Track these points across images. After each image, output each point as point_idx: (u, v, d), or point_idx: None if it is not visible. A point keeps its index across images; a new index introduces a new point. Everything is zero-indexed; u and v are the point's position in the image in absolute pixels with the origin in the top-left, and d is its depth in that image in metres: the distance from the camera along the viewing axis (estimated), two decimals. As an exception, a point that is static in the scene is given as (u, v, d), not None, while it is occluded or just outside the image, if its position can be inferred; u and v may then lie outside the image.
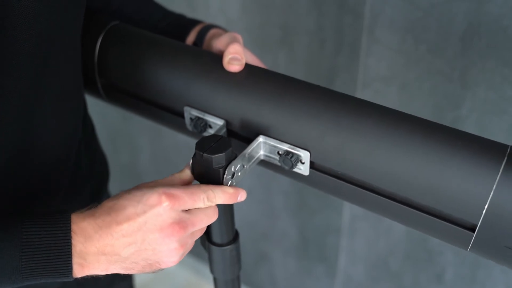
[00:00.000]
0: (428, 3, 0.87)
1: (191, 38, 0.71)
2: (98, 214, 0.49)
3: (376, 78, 1.01)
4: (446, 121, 0.95)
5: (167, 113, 0.65)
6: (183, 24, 0.73)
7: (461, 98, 0.92)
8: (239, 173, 0.54)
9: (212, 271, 0.65)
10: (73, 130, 0.66)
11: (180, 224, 0.49)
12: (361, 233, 1.24)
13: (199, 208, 0.51)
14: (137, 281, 1.05)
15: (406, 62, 0.95)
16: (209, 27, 0.70)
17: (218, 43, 0.64)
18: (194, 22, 0.73)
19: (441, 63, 0.91)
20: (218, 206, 0.58)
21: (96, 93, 0.72)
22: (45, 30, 0.53)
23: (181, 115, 0.63)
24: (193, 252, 1.85)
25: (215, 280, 0.68)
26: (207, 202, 0.51)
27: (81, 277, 0.50)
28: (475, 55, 0.86)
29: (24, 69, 0.52)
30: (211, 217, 0.53)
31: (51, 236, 0.47)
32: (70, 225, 0.48)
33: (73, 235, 0.47)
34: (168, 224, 0.48)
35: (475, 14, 0.83)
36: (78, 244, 0.48)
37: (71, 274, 0.48)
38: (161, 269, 0.52)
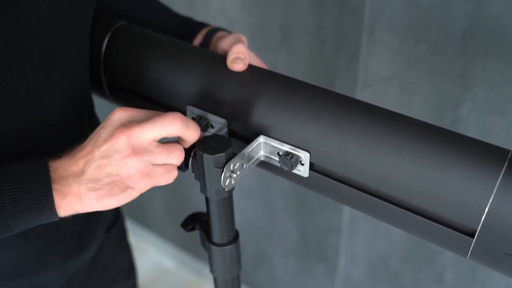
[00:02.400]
0: (428, 3, 0.87)
1: (197, 40, 0.72)
2: (76, 149, 0.52)
3: (376, 78, 1.01)
4: (446, 121, 0.95)
5: None
6: (190, 26, 0.73)
7: (461, 98, 0.92)
8: (238, 172, 0.54)
9: (212, 271, 0.65)
10: (80, 127, 0.66)
11: (127, 126, 0.50)
12: (361, 233, 1.24)
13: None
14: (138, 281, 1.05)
15: (406, 62, 0.95)
16: (215, 30, 0.71)
17: (222, 44, 0.64)
18: (201, 25, 0.73)
19: (441, 63, 0.91)
20: (219, 205, 0.59)
21: (101, 92, 0.73)
22: (55, 27, 0.53)
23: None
24: (193, 252, 1.85)
25: (215, 280, 0.68)
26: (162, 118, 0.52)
27: (85, 278, 0.49)
28: (475, 55, 0.86)
29: (32, 65, 0.53)
30: (168, 122, 0.51)
31: (29, 171, 0.49)
32: (47, 159, 0.51)
33: (50, 168, 0.50)
34: (115, 129, 0.50)
35: (475, 14, 0.83)
36: (54, 171, 0.50)
37: (53, 203, 0.49)
38: (132, 189, 0.51)
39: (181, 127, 0.52)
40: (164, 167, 0.52)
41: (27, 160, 0.50)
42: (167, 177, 0.52)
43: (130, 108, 0.52)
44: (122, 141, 0.49)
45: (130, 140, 0.49)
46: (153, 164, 0.51)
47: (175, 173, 0.53)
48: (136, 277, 0.98)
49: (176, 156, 0.52)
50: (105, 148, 0.49)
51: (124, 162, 0.49)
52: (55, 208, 0.50)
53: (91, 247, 0.75)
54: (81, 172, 0.50)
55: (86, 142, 0.51)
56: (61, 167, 0.50)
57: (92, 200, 0.50)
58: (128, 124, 0.50)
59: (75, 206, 0.50)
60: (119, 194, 0.51)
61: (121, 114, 0.51)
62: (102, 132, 0.50)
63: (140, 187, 0.51)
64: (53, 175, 0.50)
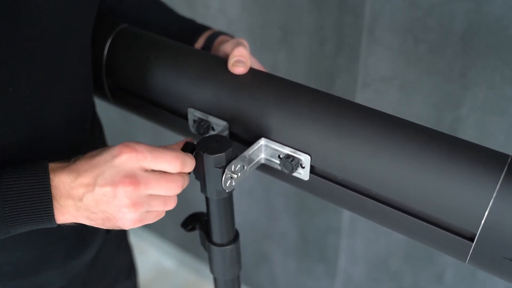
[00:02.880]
0: (428, 3, 0.87)
1: (199, 43, 0.72)
2: (77, 161, 0.51)
3: (376, 78, 1.01)
4: (446, 121, 0.95)
5: (171, 114, 0.65)
6: (192, 29, 0.74)
7: (461, 98, 0.92)
8: (239, 174, 0.54)
9: (212, 271, 0.65)
10: (82, 129, 0.66)
11: (132, 179, 0.49)
12: (361, 233, 1.24)
13: (162, 171, 0.51)
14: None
15: (406, 62, 0.95)
16: (217, 33, 0.71)
17: (224, 48, 0.65)
18: (203, 28, 0.74)
19: (441, 63, 0.91)
20: (219, 205, 0.59)
21: (102, 94, 0.73)
22: (58, 28, 0.54)
23: (185, 117, 0.63)
24: (193, 252, 1.85)
25: (215, 280, 0.68)
26: (172, 166, 0.51)
27: (86, 278, 0.49)
28: (475, 55, 0.86)
29: (35, 67, 0.53)
30: (173, 185, 0.51)
31: (30, 184, 0.49)
32: (48, 172, 0.50)
33: (50, 180, 0.50)
34: (120, 176, 0.49)
35: (475, 14, 0.83)
36: (54, 189, 0.50)
37: (53, 219, 0.50)
38: (121, 228, 0.52)
39: (180, 190, 0.53)
40: (156, 213, 0.53)
41: (28, 170, 0.50)
42: (155, 219, 0.54)
43: (139, 149, 0.50)
44: (124, 193, 0.49)
45: (133, 194, 0.49)
46: (147, 211, 0.52)
47: (163, 215, 0.54)
48: (136, 277, 0.98)
49: (170, 207, 0.53)
50: (106, 190, 0.49)
51: (121, 210, 0.50)
52: (54, 221, 0.51)
53: (92, 247, 0.75)
54: (80, 199, 0.50)
55: (88, 166, 0.50)
56: (61, 185, 0.50)
57: (87, 223, 0.52)
58: (133, 177, 0.49)
59: (70, 219, 0.52)
60: (110, 227, 0.52)
61: (129, 159, 0.49)
62: (106, 170, 0.49)
63: (130, 227, 0.52)
64: (53, 191, 0.50)
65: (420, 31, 0.90)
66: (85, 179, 0.49)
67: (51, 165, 0.51)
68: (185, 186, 0.53)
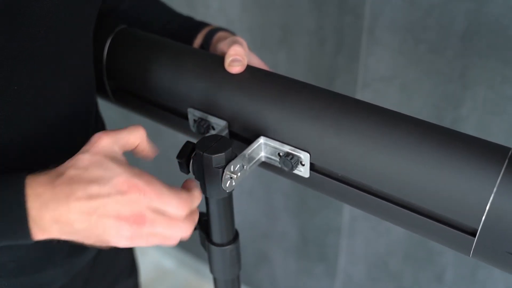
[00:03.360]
0: (428, 3, 0.87)
1: (198, 41, 0.72)
2: (58, 182, 0.46)
3: (376, 78, 1.01)
4: (446, 121, 0.95)
5: (172, 114, 0.65)
6: (191, 27, 0.74)
7: (461, 98, 0.92)
8: (239, 173, 0.54)
9: (212, 271, 0.65)
10: (85, 129, 0.66)
11: (137, 218, 0.47)
12: (361, 233, 1.24)
13: (170, 213, 0.49)
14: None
15: (406, 62, 0.95)
16: (215, 30, 0.71)
17: (221, 47, 0.65)
18: (201, 25, 0.73)
19: (441, 63, 0.91)
20: (219, 205, 0.59)
21: (104, 95, 0.73)
22: (60, 28, 0.54)
23: (185, 117, 0.63)
24: (193, 252, 1.85)
25: (215, 280, 0.68)
26: (180, 211, 0.49)
27: (88, 276, 0.47)
28: (475, 55, 0.86)
29: (38, 66, 0.53)
30: (177, 231, 0.49)
31: (5, 201, 0.46)
32: (24, 190, 0.46)
33: (28, 199, 0.45)
34: (126, 214, 0.46)
35: (475, 14, 0.83)
36: (33, 210, 0.46)
37: (30, 237, 0.46)
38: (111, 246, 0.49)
39: (187, 236, 0.51)
40: (154, 235, 0.50)
41: (2, 184, 0.47)
42: (149, 241, 0.50)
43: (147, 191, 0.47)
44: (127, 230, 0.46)
45: (136, 231, 0.47)
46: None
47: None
48: (138, 275, 0.98)
49: (169, 245, 0.50)
50: (107, 221, 0.46)
51: (118, 239, 0.47)
52: (31, 240, 0.47)
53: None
54: (70, 224, 0.46)
55: (84, 193, 0.45)
56: (45, 210, 0.45)
57: (67, 238, 0.48)
58: (140, 217, 0.46)
59: (50, 237, 0.48)
60: (97, 245, 0.49)
61: (138, 199, 0.46)
62: (109, 202, 0.46)
63: (122, 244, 0.49)
64: (32, 213, 0.45)
65: (420, 31, 0.90)
66: (81, 206, 0.45)
67: (30, 181, 0.46)
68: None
